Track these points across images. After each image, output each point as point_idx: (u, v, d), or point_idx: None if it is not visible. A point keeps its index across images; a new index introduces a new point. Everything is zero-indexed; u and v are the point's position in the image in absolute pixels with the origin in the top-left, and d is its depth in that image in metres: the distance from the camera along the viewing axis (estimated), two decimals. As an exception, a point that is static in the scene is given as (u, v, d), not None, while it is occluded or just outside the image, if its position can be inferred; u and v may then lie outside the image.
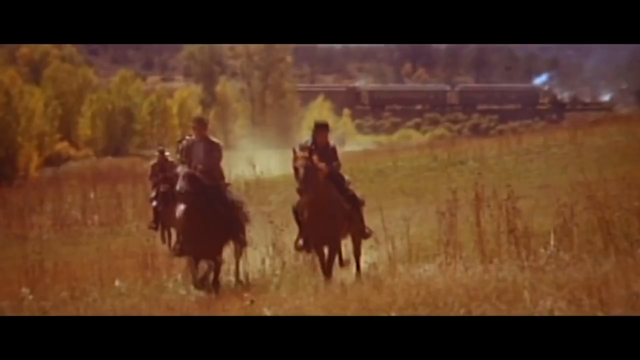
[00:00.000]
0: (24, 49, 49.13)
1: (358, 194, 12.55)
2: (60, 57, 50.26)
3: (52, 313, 11.33)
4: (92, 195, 29.82)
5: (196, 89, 56.33)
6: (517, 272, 10.05)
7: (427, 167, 31.40)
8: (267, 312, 9.06)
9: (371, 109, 70.56)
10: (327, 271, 11.70)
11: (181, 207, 12.21)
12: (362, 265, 12.37)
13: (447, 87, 72.39)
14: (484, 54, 76.15)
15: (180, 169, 12.25)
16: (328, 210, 11.87)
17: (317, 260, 12.29)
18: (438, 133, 63.21)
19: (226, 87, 58.67)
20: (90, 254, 15.55)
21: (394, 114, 70.37)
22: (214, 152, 12.74)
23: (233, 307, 9.51)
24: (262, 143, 44.85)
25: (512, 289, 8.78)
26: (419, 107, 70.49)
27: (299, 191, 11.75)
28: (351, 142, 56.98)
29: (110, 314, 10.45)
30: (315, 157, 11.79)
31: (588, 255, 10.54)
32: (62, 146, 49.30)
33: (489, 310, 8.03)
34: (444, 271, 10.97)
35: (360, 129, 65.88)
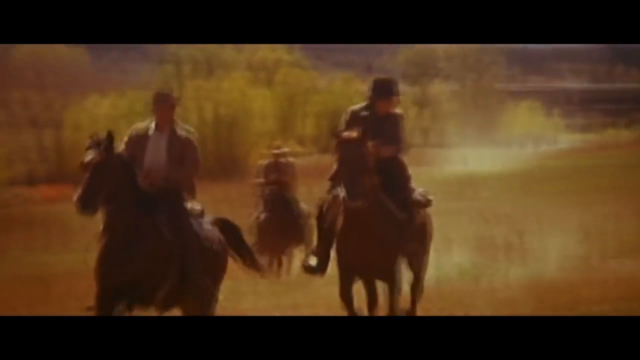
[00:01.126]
0: (260, 54, 50.99)
1: (418, 195, 8.09)
2: (290, 63, 51.77)
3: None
4: (314, 189, 30.42)
5: (411, 89, 56.44)
6: None
7: (638, 165, 29.96)
8: (478, 304, 8.86)
9: (581, 109, 68.04)
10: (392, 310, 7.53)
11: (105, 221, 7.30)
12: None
13: (660, 86, 68.69)
14: (698, 52, 71.64)
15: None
16: (376, 223, 7.40)
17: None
18: (649, 132, 59.91)
19: (440, 88, 58.47)
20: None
21: (604, 114, 67.48)
22: (187, 153, 7.53)
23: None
24: (473, 141, 44.24)
25: None
26: (629, 106, 67.29)
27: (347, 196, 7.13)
28: (561, 141, 55.20)
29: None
30: (371, 144, 7.40)
31: None
32: (289, 144, 50.72)
33: None
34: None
35: (570, 128, 63.65)
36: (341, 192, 7.43)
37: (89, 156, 7.13)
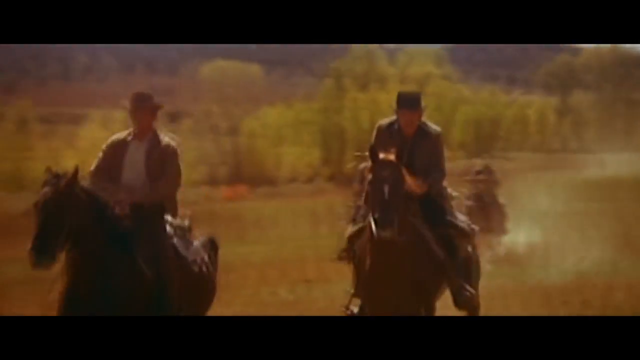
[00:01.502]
0: (412, 68, 51.25)
1: (462, 223, 6.12)
2: (439, 76, 51.91)
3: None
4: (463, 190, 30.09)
5: (553, 100, 55.27)
6: None
7: None
8: (616, 298, 8.56)
9: None
10: None
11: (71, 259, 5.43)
12: None
13: None
14: None
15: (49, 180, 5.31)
16: (411, 261, 5.61)
17: None
18: None
19: (579, 97, 57.00)
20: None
21: None
22: (166, 164, 5.79)
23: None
24: (611, 146, 42.61)
25: None
26: None
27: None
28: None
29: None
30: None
31: None
32: (439, 149, 50.72)
33: None
34: None
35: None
36: (371, 219, 5.56)
37: (42, 193, 5.25)
